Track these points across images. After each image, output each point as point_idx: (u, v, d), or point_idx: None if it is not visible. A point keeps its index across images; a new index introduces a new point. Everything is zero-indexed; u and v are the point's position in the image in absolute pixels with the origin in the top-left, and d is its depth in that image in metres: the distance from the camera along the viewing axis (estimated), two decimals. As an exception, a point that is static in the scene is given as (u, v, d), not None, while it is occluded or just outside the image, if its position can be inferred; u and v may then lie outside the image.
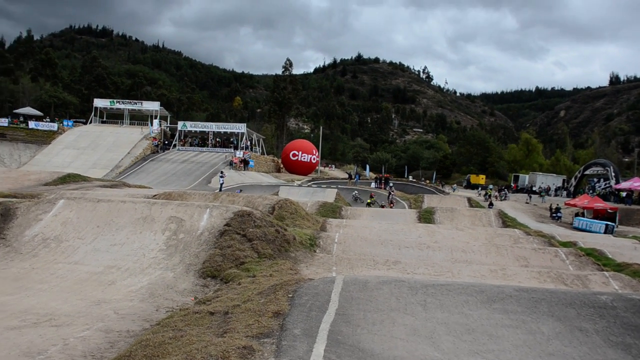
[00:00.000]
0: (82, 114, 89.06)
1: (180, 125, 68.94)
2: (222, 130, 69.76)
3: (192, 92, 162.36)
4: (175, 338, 7.93)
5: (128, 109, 73.15)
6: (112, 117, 74.15)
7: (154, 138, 65.62)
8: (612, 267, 17.88)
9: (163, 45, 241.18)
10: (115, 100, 76.15)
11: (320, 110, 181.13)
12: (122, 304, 10.99)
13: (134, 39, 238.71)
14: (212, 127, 70.34)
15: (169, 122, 73.57)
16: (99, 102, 73.60)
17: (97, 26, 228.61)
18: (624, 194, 52.04)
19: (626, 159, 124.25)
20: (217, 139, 69.15)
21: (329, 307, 8.66)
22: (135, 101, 77.20)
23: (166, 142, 67.24)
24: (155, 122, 68.63)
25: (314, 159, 70.93)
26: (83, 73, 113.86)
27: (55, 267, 13.41)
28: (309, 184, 55.69)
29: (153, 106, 72.82)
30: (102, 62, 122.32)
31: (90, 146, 60.37)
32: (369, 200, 40.48)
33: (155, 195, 27.77)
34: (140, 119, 73.82)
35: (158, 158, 60.08)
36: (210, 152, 64.11)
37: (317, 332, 7.60)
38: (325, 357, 6.74)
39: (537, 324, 9.16)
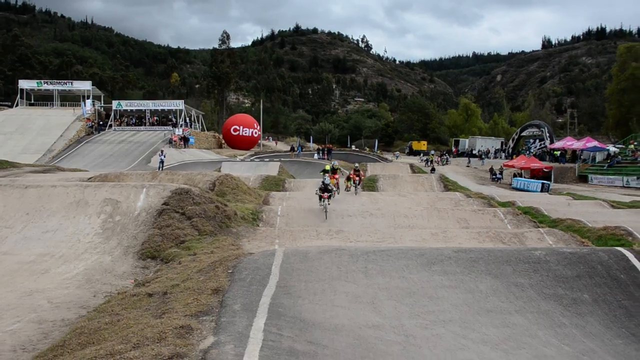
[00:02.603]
0: (7, 96, 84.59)
1: (115, 104, 66.40)
2: (160, 108, 67.85)
3: (126, 69, 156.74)
4: (111, 323, 7.67)
5: (58, 90, 69.68)
6: (41, 99, 70.49)
7: (88, 119, 63.07)
8: (547, 223, 18.57)
9: (92, 21, 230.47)
10: (43, 81, 72.27)
11: (260, 83, 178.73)
12: (56, 293, 10.57)
13: (59, 15, 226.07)
14: (149, 105, 68.25)
15: (103, 102, 70.71)
16: (24, 84, 69.50)
17: (17, 1, 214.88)
18: (558, 153, 54.01)
19: (559, 120, 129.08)
20: (155, 117, 67.15)
21: (269, 280, 8.56)
22: (65, 81, 73.33)
23: (101, 122, 64.72)
24: (88, 102, 65.75)
25: (255, 133, 70.14)
26: (4, 53, 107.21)
27: (-18, 259, 12.76)
28: (251, 158, 55.19)
29: (85, 86, 69.68)
30: (25, 41, 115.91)
31: (18, 131, 57.23)
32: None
33: (90, 178, 26.82)
34: (71, 100, 70.51)
35: (93, 140, 57.87)
36: (148, 131, 62.23)
37: (258, 306, 7.50)
38: (265, 331, 6.64)
39: (475, 282, 9.35)
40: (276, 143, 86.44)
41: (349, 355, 6.68)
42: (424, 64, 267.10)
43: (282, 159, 49.91)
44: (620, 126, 71.63)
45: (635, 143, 49.80)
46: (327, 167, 24.93)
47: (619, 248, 10.81)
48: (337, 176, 23.73)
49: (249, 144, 69.11)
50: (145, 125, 65.21)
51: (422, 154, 66.21)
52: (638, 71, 67.78)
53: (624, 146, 51.54)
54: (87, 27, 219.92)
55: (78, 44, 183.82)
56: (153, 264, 12.95)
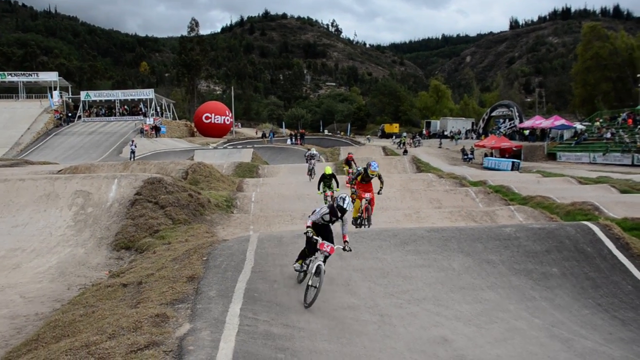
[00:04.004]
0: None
1: (83, 95, 65.07)
2: (130, 98, 66.65)
3: (93, 59, 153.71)
4: (86, 315, 7.62)
5: (23, 82, 67.81)
6: (6, 91, 68.57)
7: (56, 111, 61.72)
8: (517, 201, 18.91)
9: (55, 10, 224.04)
10: (6, 73, 70.28)
11: (231, 70, 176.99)
12: (29, 287, 10.43)
13: (20, 4, 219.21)
14: (119, 95, 67.04)
15: (70, 93, 69.18)
16: (-14, 76, 67.93)
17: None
18: (527, 132, 54.82)
19: (528, 99, 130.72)
20: (125, 107, 66.04)
21: (244, 266, 8.60)
22: (30, 73, 71.40)
23: (70, 114, 63.40)
24: (56, 93, 64.30)
25: (227, 120, 69.52)
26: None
27: (-50, 256, 12.51)
28: (224, 145, 54.83)
29: (51, 77, 67.96)
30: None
31: (-19, 125, 55.97)
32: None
33: (60, 170, 26.36)
34: (38, 91, 68.77)
35: (63, 132, 56.71)
36: (118, 122, 61.18)
37: (233, 291, 7.53)
38: (241, 316, 6.69)
39: (448, 261, 9.53)
40: (239, 126, 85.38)
41: (325, 336, 6.77)
42: (394, 47, 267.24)
43: (255, 146, 49.69)
44: (586, 104, 72.88)
45: (601, 120, 50.80)
46: (328, 170, 16.64)
47: (585, 222, 11.10)
48: (330, 193, 16.34)
49: (222, 132, 68.53)
50: (115, 115, 64.13)
51: (394, 137, 66.51)
52: (602, 50, 68.89)
53: (590, 124, 52.52)
54: (50, 17, 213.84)
55: (42, 34, 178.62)
56: (127, 255, 12.87)
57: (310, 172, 23.80)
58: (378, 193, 13.39)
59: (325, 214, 7.93)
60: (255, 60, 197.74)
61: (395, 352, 6.57)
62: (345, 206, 7.74)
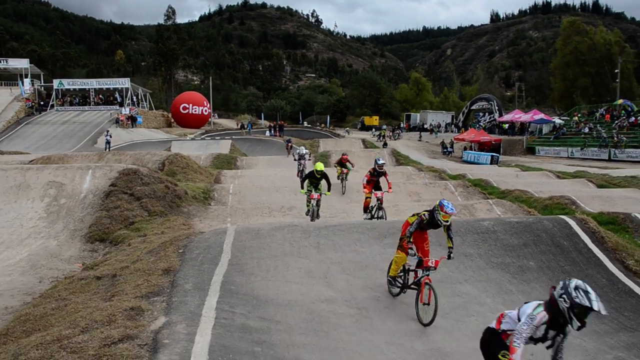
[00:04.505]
0: None
1: (56, 83, 63.65)
2: (105, 87, 65.58)
3: (66, 46, 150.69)
4: (58, 308, 7.45)
5: (-9, 69, 66.57)
6: (-27, 79, 67.11)
7: (27, 99, 60.32)
8: (496, 194, 19.06)
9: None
10: (-27, 60, 68.70)
11: (209, 60, 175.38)
12: (-2, 280, 10.21)
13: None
14: (93, 83, 65.85)
15: (43, 81, 67.60)
16: (-48, 63, 65.92)
17: None
18: (506, 126, 55.30)
19: (508, 93, 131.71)
20: (100, 96, 64.89)
21: (221, 259, 8.49)
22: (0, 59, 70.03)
23: (42, 102, 62.03)
24: (27, 81, 62.73)
25: (205, 110, 68.88)
26: None
27: None
28: (202, 136, 54.42)
29: (21, 64, 66.18)
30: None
31: (-54, 114, 54.45)
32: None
33: (32, 160, 25.87)
34: (8, 79, 67.00)
35: (34, 121, 55.45)
36: (93, 111, 60.17)
37: (210, 284, 7.43)
38: (217, 309, 6.59)
39: (426, 254, 9.52)
40: (216, 117, 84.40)
41: (302, 329, 6.71)
42: (374, 38, 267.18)
43: (234, 137, 49.38)
44: (565, 99, 73.80)
45: (579, 115, 51.46)
46: (320, 167, 13.81)
47: (562, 216, 11.19)
48: (316, 196, 13.83)
49: (199, 122, 67.91)
50: (89, 104, 63.03)
51: (374, 129, 66.60)
52: (581, 45, 69.68)
53: (568, 118, 53.18)
54: (20, 1, 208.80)
55: (11, 18, 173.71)
56: (102, 247, 12.67)
57: (301, 173, 20.77)
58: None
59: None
60: (234, 50, 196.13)
61: (373, 345, 6.54)
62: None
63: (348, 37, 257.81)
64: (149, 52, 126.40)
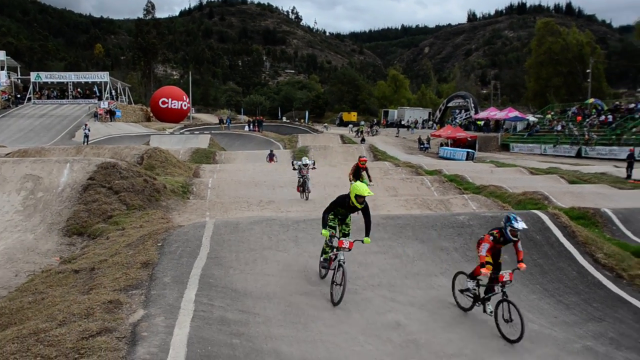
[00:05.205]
0: None
1: (33, 76, 62.61)
2: (83, 80, 64.64)
3: (44, 39, 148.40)
4: (35, 302, 7.43)
5: (-35, 61, 65.04)
6: (-53, 72, 65.42)
7: (3, 92, 59.34)
8: (471, 190, 19.35)
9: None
10: (-53, 52, 67.09)
11: (189, 55, 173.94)
12: (-26, 274, 10.10)
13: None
14: (72, 77, 64.89)
15: (19, 74, 66.60)
16: None
17: None
18: (482, 123, 55.95)
19: (484, 91, 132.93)
20: (78, 90, 64.11)
21: (200, 252, 8.53)
22: (-26, 51, 68.41)
23: (19, 95, 61.16)
24: (3, 73, 61.64)
25: (184, 105, 68.33)
26: None
27: None
28: (181, 131, 54.02)
29: (-2, 56, 65.47)
30: None
31: None
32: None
33: (8, 153, 25.49)
34: (-16, 71, 66.10)
35: (11, 114, 54.48)
36: (71, 105, 59.27)
37: (188, 277, 7.48)
38: (196, 302, 6.65)
39: (402, 247, 9.68)
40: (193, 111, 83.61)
41: (280, 321, 6.80)
42: (353, 35, 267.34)
43: (213, 132, 49.13)
44: (539, 97, 74.92)
45: (552, 113, 52.31)
46: (362, 190, 8.15)
47: (535, 211, 11.44)
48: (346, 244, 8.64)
49: (178, 117, 67.37)
50: (68, 98, 62.14)
51: (352, 125, 66.79)
52: (554, 45, 70.77)
53: (542, 116, 54.06)
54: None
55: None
56: (79, 241, 12.58)
57: (303, 187, 16.40)
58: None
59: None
60: (213, 45, 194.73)
61: (350, 336, 6.66)
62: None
63: (327, 34, 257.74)
64: (129, 46, 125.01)
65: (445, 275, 8.82)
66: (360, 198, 7.79)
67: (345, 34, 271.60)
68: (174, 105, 66.94)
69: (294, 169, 16.87)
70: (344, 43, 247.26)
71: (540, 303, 8.13)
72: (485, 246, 7.30)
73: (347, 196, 7.97)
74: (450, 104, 67.71)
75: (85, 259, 9.39)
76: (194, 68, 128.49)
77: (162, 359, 5.03)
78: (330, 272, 7.97)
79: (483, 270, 7.23)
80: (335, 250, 7.89)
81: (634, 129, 38.61)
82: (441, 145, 46.17)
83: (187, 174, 21.09)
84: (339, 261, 7.68)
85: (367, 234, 7.99)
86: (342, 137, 47.40)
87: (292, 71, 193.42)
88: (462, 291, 7.78)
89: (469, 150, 41.17)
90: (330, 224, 8.16)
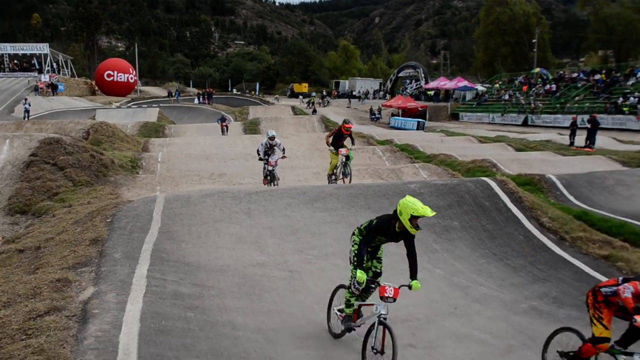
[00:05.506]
0: None
1: (-37, 47, 59.89)
2: (21, 52, 61.92)
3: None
4: (-24, 284, 7.17)
5: None
6: None
7: None
8: (422, 159, 19.64)
9: None
10: None
11: (134, 26, 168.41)
12: None
13: None
14: (7, 48, 61.90)
15: (-53, 46, 63.52)
16: None
17: None
18: (432, 93, 56.66)
19: (434, 61, 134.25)
20: (15, 62, 61.43)
21: (151, 227, 8.37)
22: None
23: (-53, 69, 58.36)
24: None
25: (131, 78, 66.29)
26: None
27: None
28: (128, 104, 52.62)
29: None
30: None
31: None
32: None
33: (-58, 130, 24.25)
34: None
35: (-59, 89, 51.99)
36: (8, 78, 56.56)
37: (140, 253, 7.33)
38: (148, 277, 6.54)
39: (355, 217, 9.74)
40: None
41: (235, 293, 6.78)
42: (303, 6, 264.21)
43: (161, 105, 48.05)
44: (487, 67, 76.31)
45: (500, 82, 53.39)
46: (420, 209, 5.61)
47: (484, 178, 11.72)
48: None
49: (125, 90, 65.38)
50: (4, 71, 59.34)
51: (302, 96, 66.53)
52: (502, 16, 71.93)
53: (490, 86, 55.11)
54: None
55: None
56: (23, 219, 12.14)
57: (270, 177, 13.66)
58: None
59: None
60: (160, 16, 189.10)
61: (305, 306, 6.71)
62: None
63: (277, 4, 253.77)
64: (69, 16, 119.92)
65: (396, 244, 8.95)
66: (415, 220, 5.33)
67: (296, 3, 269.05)
68: (120, 78, 64.86)
69: (260, 159, 13.72)
70: (294, 13, 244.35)
71: (489, 267, 8.39)
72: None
73: (394, 218, 5.46)
74: (400, 74, 68.20)
75: (30, 238, 9.09)
76: (140, 39, 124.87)
77: (114, 336, 4.94)
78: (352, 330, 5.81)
79: None
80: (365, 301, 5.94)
81: (577, 98, 39.88)
82: (392, 115, 46.59)
83: (135, 149, 20.60)
84: (379, 317, 5.35)
85: (414, 275, 5.67)
86: (293, 108, 47.19)
87: (242, 42, 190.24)
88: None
89: (420, 120, 41.72)
90: (368, 264, 5.96)
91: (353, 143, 13.39)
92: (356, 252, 5.70)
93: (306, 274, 7.62)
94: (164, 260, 7.25)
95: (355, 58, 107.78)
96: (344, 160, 13.43)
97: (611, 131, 30.86)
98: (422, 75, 61.79)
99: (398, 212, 5.41)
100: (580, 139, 25.54)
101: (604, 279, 7.81)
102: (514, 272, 8.23)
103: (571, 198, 13.69)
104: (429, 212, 5.34)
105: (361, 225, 6.06)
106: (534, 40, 63.03)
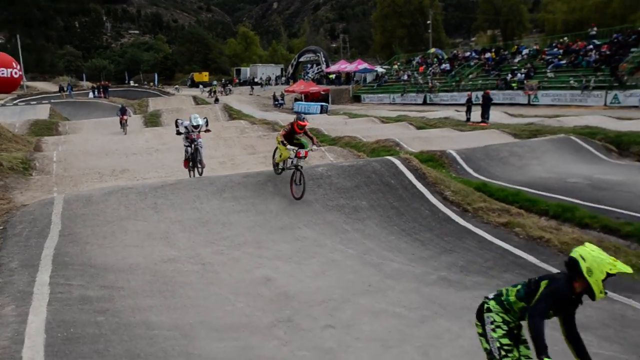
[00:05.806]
0: None
1: None
2: None
3: None
4: None
5: None
6: None
7: None
8: (327, 142, 19.84)
9: None
10: None
11: (14, 15, 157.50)
12: None
13: None
14: None
15: None
16: None
17: None
18: (333, 76, 57.37)
19: (333, 45, 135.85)
20: None
21: (50, 231, 7.89)
22: None
23: None
24: None
25: (15, 73, 61.64)
26: None
27: None
28: (14, 102, 49.15)
29: None
30: None
31: None
32: None
33: None
34: None
35: None
36: None
37: (40, 259, 6.89)
38: (51, 284, 6.16)
39: (265, 204, 9.73)
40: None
41: (147, 292, 6.56)
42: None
43: (52, 101, 45.32)
44: (385, 49, 78.29)
45: (398, 64, 54.96)
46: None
47: (388, 157, 12.04)
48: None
49: (9, 87, 60.87)
50: None
51: (202, 85, 65.23)
52: (398, -2, 74.02)
53: (389, 67, 56.59)
54: None
55: None
56: None
57: (194, 160, 12.62)
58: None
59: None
60: (43, 4, 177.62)
61: (220, 297, 6.61)
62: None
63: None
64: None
65: (308, 227, 9.03)
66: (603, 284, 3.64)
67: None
68: (3, 74, 60.25)
69: (179, 132, 12.65)
70: (189, 0, 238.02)
71: (399, 243, 8.64)
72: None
73: (574, 278, 3.70)
74: (301, 59, 68.51)
75: None
76: (23, 31, 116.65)
77: (16, 351, 4.63)
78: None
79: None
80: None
81: (470, 76, 41.86)
82: (295, 100, 46.75)
83: (26, 149, 19.28)
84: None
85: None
86: (194, 98, 46.20)
87: (137, 32, 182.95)
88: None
89: (323, 103, 42.18)
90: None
91: (314, 143, 10.27)
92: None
93: (219, 265, 7.51)
94: (68, 265, 6.87)
95: (255, 44, 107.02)
96: (295, 161, 10.42)
97: (502, 106, 32.74)
98: (323, 59, 62.42)
99: (584, 270, 3.64)
100: (476, 114, 26.84)
101: (505, 245, 8.33)
102: (423, 246, 8.54)
103: (470, 171, 14.41)
104: (629, 269, 3.66)
105: (501, 295, 4.07)
106: (428, 22, 65.43)
